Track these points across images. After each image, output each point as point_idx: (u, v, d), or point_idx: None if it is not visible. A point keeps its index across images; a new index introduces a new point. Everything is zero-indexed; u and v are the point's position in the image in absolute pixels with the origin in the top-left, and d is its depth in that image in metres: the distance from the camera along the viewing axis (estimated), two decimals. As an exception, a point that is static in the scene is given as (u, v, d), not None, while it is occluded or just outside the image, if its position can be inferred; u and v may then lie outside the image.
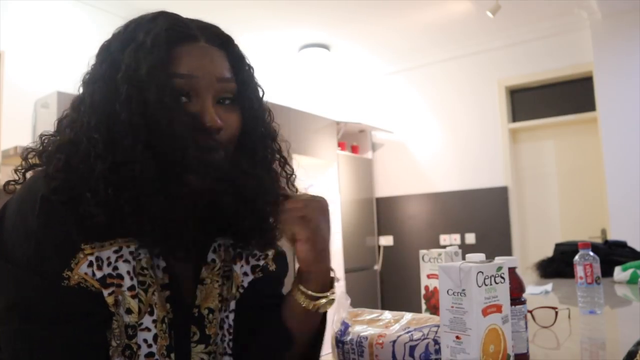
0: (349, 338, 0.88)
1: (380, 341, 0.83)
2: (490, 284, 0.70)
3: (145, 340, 0.68)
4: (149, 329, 0.69)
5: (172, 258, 0.73)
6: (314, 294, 0.78)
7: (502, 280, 0.72)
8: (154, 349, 0.69)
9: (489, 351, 0.68)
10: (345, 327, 0.90)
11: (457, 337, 0.69)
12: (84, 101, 0.69)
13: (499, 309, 0.70)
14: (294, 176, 0.83)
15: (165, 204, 0.65)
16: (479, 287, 0.68)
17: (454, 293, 0.69)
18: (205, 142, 0.69)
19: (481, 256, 0.75)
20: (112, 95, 0.66)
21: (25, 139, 3.05)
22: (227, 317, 0.79)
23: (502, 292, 0.71)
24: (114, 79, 0.66)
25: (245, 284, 0.81)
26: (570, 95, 4.46)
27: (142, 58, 0.66)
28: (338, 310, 0.94)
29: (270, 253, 0.84)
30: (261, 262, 0.83)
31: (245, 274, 0.81)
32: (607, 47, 4.01)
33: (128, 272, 0.67)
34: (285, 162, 0.82)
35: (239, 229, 0.76)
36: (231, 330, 0.79)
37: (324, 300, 0.78)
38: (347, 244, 4.58)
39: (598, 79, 4.05)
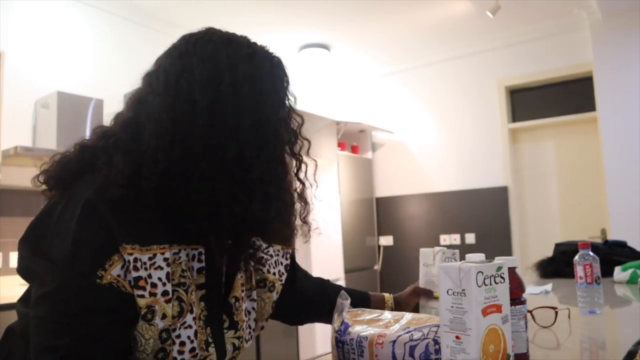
0: (349, 338, 0.88)
1: (380, 341, 0.83)
2: (490, 284, 0.70)
3: (188, 337, 0.74)
4: (190, 327, 0.74)
5: (215, 255, 0.80)
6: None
7: (502, 280, 0.72)
8: (195, 344, 0.74)
9: (488, 351, 0.68)
10: (345, 327, 0.90)
11: (457, 337, 0.69)
12: (187, 105, 0.72)
13: (498, 309, 0.70)
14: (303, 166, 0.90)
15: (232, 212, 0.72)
16: (479, 287, 0.68)
17: (453, 293, 0.69)
18: None
19: (481, 256, 0.75)
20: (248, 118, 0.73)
21: (25, 139, 3.05)
22: (249, 305, 0.89)
23: (502, 292, 0.72)
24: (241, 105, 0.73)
25: (284, 280, 0.97)
26: (570, 95, 4.46)
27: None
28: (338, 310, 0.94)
29: (289, 250, 0.99)
30: (289, 261, 0.98)
31: (283, 273, 0.97)
32: (607, 47, 4.01)
33: (160, 279, 0.71)
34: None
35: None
36: (253, 317, 0.90)
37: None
38: (347, 244, 4.58)
39: (598, 79, 4.05)
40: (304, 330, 3.93)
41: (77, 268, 0.67)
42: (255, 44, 0.83)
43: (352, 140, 5.18)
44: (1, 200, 2.90)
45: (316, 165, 0.91)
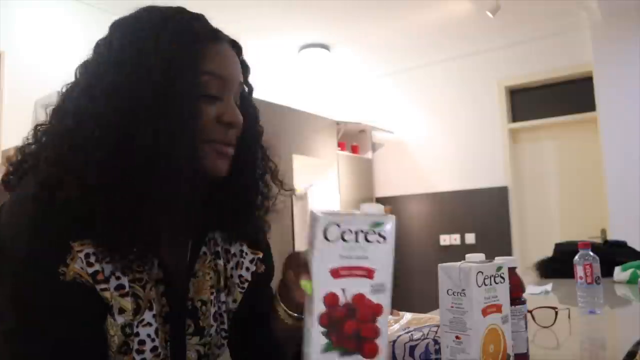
0: (349, 338, 0.87)
1: (380, 341, 0.83)
2: (490, 284, 0.70)
3: (148, 335, 0.69)
4: (150, 324, 0.70)
5: (167, 252, 0.74)
6: (296, 315, 0.72)
7: (502, 280, 0.72)
8: (157, 342, 0.70)
9: (488, 351, 0.68)
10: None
11: (457, 337, 0.69)
12: (89, 92, 0.68)
13: (498, 309, 0.70)
14: (277, 170, 0.85)
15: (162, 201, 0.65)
16: (479, 287, 0.68)
17: (453, 293, 0.69)
18: (226, 137, 0.72)
19: (481, 256, 0.75)
20: (134, 86, 0.65)
21: (25, 139, 3.05)
22: (219, 309, 0.81)
23: (502, 292, 0.71)
24: (133, 71, 0.66)
25: (245, 286, 0.84)
26: (570, 95, 4.46)
27: (174, 53, 0.67)
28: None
29: (261, 255, 0.86)
30: (255, 268, 0.85)
31: (246, 279, 0.84)
32: (607, 47, 4.01)
33: (112, 273, 0.67)
34: (269, 158, 0.85)
35: (232, 224, 0.79)
36: (224, 321, 0.81)
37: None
38: (347, 244, 4.57)
39: (598, 79, 4.05)
40: (304, 330, 3.93)
41: (38, 266, 0.63)
42: (181, 9, 0.74)
43: (352, 140, 5.18)
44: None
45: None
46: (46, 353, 0.62)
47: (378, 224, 0.58)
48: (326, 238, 0.56)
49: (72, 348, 0.63)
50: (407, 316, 0.88)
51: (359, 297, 0.56)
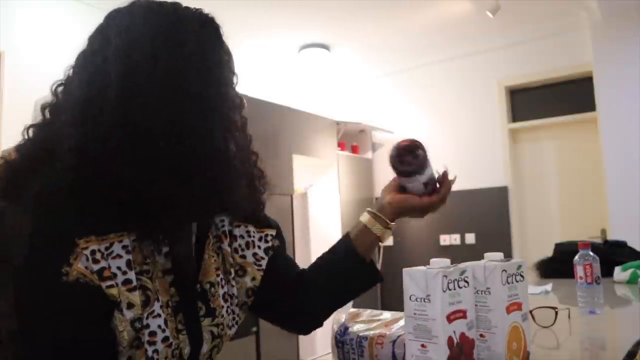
0: (349, 338, 0.88)
1: (380, 341, 0.83)
2: (512, 282, 0.70)
3: (159, 326, 0.70)
4: (159, 315, 0.70)
5: (176, 240, 0.76)
6: (388, 222, 0.91)
7: (522, 279, 0.72)
8: (167, 332, 0.71)
9: (512, 348, 0.69)
10: (345, 327, 0.90)
11: (482, 335, 0.69)
12: (108, 89, 0.68)
13: (519, 306, 0.71)
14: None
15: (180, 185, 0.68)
16: (503, 285, 0.69)
17: (477, 291, 0.70)
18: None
19: (500, 255, 0.75)
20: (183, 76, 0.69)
21: (25, 139, 3.04)
22: (229, 290, 0.83)
23: (522, 290, 0.72)
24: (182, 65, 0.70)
25: (264, 266, 0.87)
26: (570, 95, 4.46)
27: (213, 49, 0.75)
28: (338, 310, 0.94)
29: (272, 232, 0.90)
30: (270, 244, 0.89)
31: (261, 257, 0.87)
32: (607, 47, 4.01)
33: (119, 268, 0.67)
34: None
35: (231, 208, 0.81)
36: (235, 302, 0.84)
37: (390, 230, 0.93)
38: (347, 244, 4.57)
39: (598, 79, 4.05)
40: (304, 330, 3.93)
41: (40, 267, 0.63)
42: (182, 7, 0.75)
43: (352, 140, 5.18)
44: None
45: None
46: (49, 355, 0.62)
47: (463, 272, 0.67)
48: (442, 290, 0.64)
49: (76, 349, 0.64)
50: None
51: (462, 336, 0.65)
